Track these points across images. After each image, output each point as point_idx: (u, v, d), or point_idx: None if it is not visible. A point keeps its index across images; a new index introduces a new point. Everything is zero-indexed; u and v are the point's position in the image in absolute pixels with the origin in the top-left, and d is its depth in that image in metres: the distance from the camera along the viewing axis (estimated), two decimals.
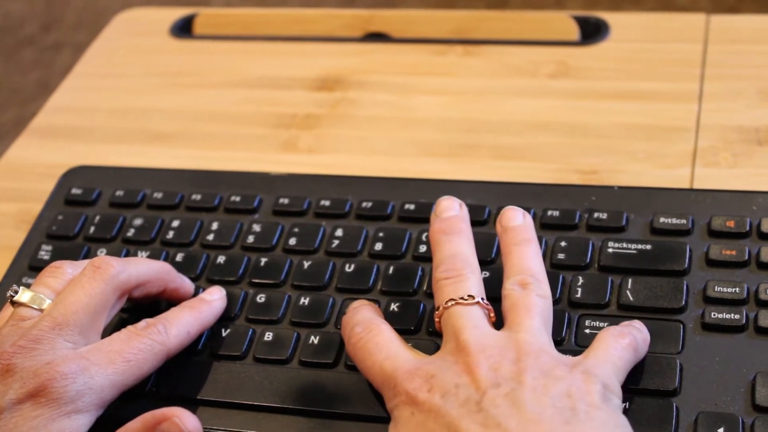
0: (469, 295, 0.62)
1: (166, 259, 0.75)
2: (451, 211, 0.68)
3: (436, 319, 0.63)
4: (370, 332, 0.63)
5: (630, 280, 0.67)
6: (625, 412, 0.60)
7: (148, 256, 0.76)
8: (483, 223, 0.74)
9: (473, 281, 0.64)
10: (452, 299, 0.62)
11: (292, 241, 0.75)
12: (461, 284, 0.63)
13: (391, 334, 0.63)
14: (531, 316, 0.61)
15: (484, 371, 0.57)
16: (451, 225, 0.67)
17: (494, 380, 0.56)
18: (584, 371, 0.57)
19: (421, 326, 0.68)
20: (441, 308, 0.63)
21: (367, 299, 0.68)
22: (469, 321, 0.61)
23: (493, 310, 0.63)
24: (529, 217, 0.68)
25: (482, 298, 0.63)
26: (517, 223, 0.67)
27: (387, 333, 0.63)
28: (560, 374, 0.57)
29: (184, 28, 1.06)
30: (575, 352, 0.63)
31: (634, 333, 0.62)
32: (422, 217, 0.75)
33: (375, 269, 0.72)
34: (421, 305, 0.69)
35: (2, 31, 2.77)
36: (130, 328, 0.65)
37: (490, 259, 0.71)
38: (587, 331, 0.65)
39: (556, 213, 0.73)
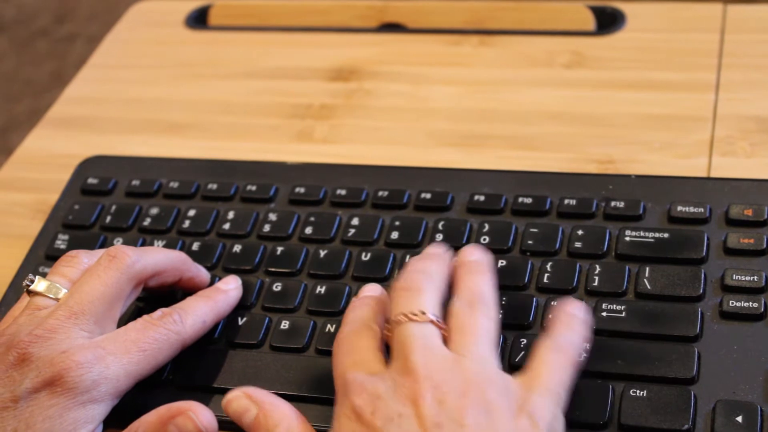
0: (421, 311, 0.60)
1: (182, 249, 0.75)
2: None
3: (387, 333, 0.62)
4: (356, 334, 0.62)
5: (647, 269, 0.67)
6: (644, 400, 0.60)
7: (164, 246, 0.76)
8: (499, 212, 0.74)
9: (429, 296, 0.62)
10: (403, 314, 0.60)
11: (308, 230, 0.75)
12: (416, 298, 0.61)
13: (372, 341, 0.62)
14: (477, 341, 0.59)
15: (428, 403, 0.55)
16: (432, 254, 0.66)
17: (437, 418, 0.54)
18: (530, 417, 0.56)
19: None
20: (392, 322, 0.61)
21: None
22: (418, 340, 0.59)
23: (446, 328, 0.61)
24: (488, 255, 0.66)
25: (435, 315, 0.60)
26: (474, 258, 0.65)
27: (368, 340, 0.61)
28: (503, 422, 0.55)
29: (199, 19, 1.06)
30: (591, 340, 0.63)
31: (574, 341, 0.61)
32: (438, 206, 0.75)
33: (391, 258, 0.72)
34: None
35: (16, 22, 2.78)
36: (145, 317, 0.65)
37: (507, 248, 0.71)
38: (604, 314, 0.65)
39: (572, 202, 0.73)
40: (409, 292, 0.62)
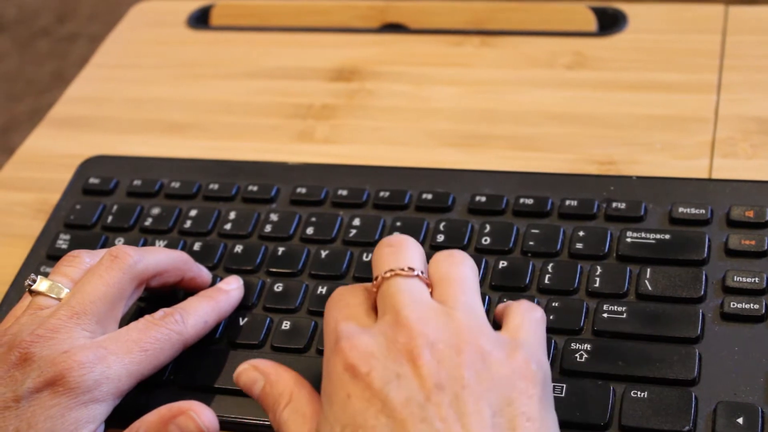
0: (409, 267, 0.60)
1: (183, 249, 0.75)
2: None
3: (374, 290, 0.61)
4: (350, 292, 0.62)
5: (648, 270, 0.67)
6: (645, 401, 0.60)
7: (166, 246, 0.76)
8: (500, 212, 0.74)
9: (415, 253, 0.62)
10: (392, 270, 0.60)
11: (310, 231, 0.75)
12: (402, 255, 0.61)
13: (366, 301, 0.61)
14: (464, 290, 0.60)
15: (426, 361, 0.55)
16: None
17: (437, 378, 0.54)
18: (524, 358, 0.56)
19: None
20: (380, 278, 0.60)
21: None
22: (409, 294, 0.59)
23: (430, 282, 0.61)
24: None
25: (422, 272, 0.60)
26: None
27: (361, 298, 0.61)
28: (500, 366, 0.55)
29: (200, 19, 1.06)
30: (591, 342, 0.63)
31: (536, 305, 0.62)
32: (439, 207, 0.75)
33: None
34: None
35: (17, 22, 2.78)
36: (147, 317, 0.65)
37: (508, 249, 0.71)
38: (605, 315, 0.65)
39: (574, 203, 0.73)
40: (392, 248, 0.62)
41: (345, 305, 0.61)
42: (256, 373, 0.62)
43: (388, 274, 0.60)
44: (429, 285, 0.60)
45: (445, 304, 0.58)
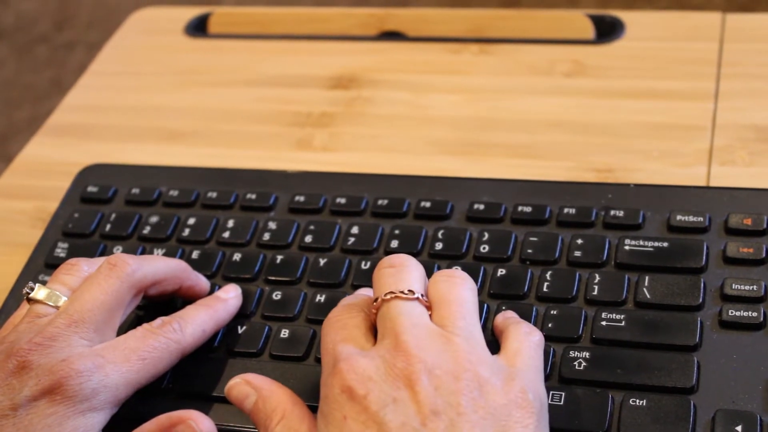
0: (409, 290, 0.61)
1: (181, 257, 0.75)
2: None
3: (373, 311, 0.61)
4: (347, 314, 0.62)
5: (647, 278, 0.67)
6: (643, 409, 0.60)
7: (164, 254, 0.76)
8: (499, 220, 0.74)
9: (415, 275, 0.62)
10: (392, 292, 0.60)
11: (308, 239, 0.75)
12: (403, 276, 0.62)
13: (363, 323, 0.61)
14: (463, 314, 0.60)
15: (424, 387, 0.55)
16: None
17: (433, 404, 0.54)
18: (521, 388, 0.56)
19: None
20: (380, 300, 0.61)
21: None
22: (408, 318, 0.59)
23: (430, 304, 0.61)
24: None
25: (422, 294, 0.61)
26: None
27: (360, 321, 0.62)
28: (496, 396, 0.55)
29: (199, 27, 1.06)
30: (590, 350, 0.63)
31: (533, 327, 0.63)
32: (438, 215, 0.75)
33: None
34: None
35: (15, 29, 2.78)
36: (145, 326, 0.65)
37: (506, 257, 0.71)
38: (603, 323, 0.65)
39: (572, 210, 0.73)
40: (394, 269, 0.62)
41: (342, 326, 0.61)
42: (249, 387, 0.62)
43: (388, 296, 0.60)
44: (429, 307, 0.61)
45: (444, 329, 0.59)
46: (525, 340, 0.61)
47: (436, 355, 0.57)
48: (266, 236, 0.76)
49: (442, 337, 0.58)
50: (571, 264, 0.70)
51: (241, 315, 0.71)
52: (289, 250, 0.75)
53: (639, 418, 0.60)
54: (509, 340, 0.61)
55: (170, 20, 1.07)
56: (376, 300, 0.61)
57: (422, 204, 0.76)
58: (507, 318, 0.65)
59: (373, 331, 0.61)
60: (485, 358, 0.58)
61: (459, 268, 0.69)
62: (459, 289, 0.62)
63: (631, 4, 2.40)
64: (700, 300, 0.65)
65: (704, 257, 0.68)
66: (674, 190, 0.74)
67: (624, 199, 0.73)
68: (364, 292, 0.66)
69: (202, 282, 0.72)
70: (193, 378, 0.68)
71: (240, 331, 0.70)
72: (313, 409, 0.64)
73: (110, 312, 0.65)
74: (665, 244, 0.69)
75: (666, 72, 0.89)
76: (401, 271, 0.62)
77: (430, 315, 0.60)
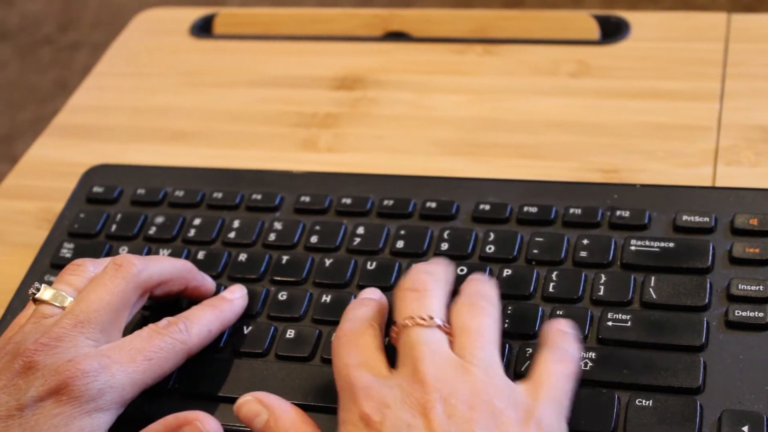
0: (429, 316, 0.61)
1: (187, 257, 0.75)
2: None
3: (393, 335, 0.62)
4: (357, 332, 0.62)
5: (653, 278, 0.67)
6: (649, 409, 0.60)
7: (170, 254, 0.76)
8: (505, 221, 0.74)
9: (436, 299, 0.62)
10: (412, 318, 0.61)
11: (314, 239, 0.75)
12: (423, 301, 0.62)
13: (374, 340, 0.62)
14: (483, 345, 0.60)
15: (438, 415, 0.55)
16: (438, 260, 0.67)
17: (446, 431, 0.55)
18: (537, 425, 0.56)
19: None
20: (400, 325, 0.61)
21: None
22: (428, 346, 0.59)
23: (451, 331, 0.61)
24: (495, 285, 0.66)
25: (441, 320, 0.61)
26: (481, 277, 0.67)
27: (370, 339, 0.62)
28: (512, 422, 0.56)
29: (203, 28, 1.06)
30: (596, 350, 0.63)
31: (573, 351, 0.62)
32: (443, 215, 0.75)
33: (396, 267, 0.72)
34: None
35: (20, 30, 2.78)
36: (151, 326, 0.65)
37: (512, 257, 0.71)
38: (609, 323, 0.65)
39: (578, 211, 0.73)
40: (415, 294, 0.63)
41: (354, 346, 0.61)
42: (260, 406, 0.61)
43: (409, 323, 0.61)
44: (449, 333, 0.61)
45: (463, 358, 0.59)
46: (555, 371, 0.60)
47: (452, 385, 0.57)
48: (272, 236, 0.76)
49: (461, 367, 0.58)
50: (577, 264, 0.70)
51: (247, 315, 0.71)
52: (294, 251, 0.75)
53: (645, 419, 0.60)
54: (539, 366, 0.61)
55: (175, 21, 1.07)
56: (395, 323, 0.62)
57: (428, 204, 0.76)
58: (551, 333, 0.63)
59: (382, 349, 0.62)
60: (502, 389, 0.58)
61: (489, 278, 0.68)
62: (481, 317, 0.62)
63: (635, 5, 2.40)
64: (707, 300, 0.65)
65: (710, 257, 0.68)
66: (680, 190, 0.74)
67: (630, 199, 0.73)
68: (370, 295, 0.66)
69: (207, 282, 0.72)
70: (199, 378, 0.68)
71: (246, 331, 0.70)
72: (320, 408, 0.64)
73: (116, 312, 0.65)
74: (671, 245, 0.69)
75: (671, 72, 0.89)
76: (424, 296, 0.62)
77: (451, 342, 0.61)
